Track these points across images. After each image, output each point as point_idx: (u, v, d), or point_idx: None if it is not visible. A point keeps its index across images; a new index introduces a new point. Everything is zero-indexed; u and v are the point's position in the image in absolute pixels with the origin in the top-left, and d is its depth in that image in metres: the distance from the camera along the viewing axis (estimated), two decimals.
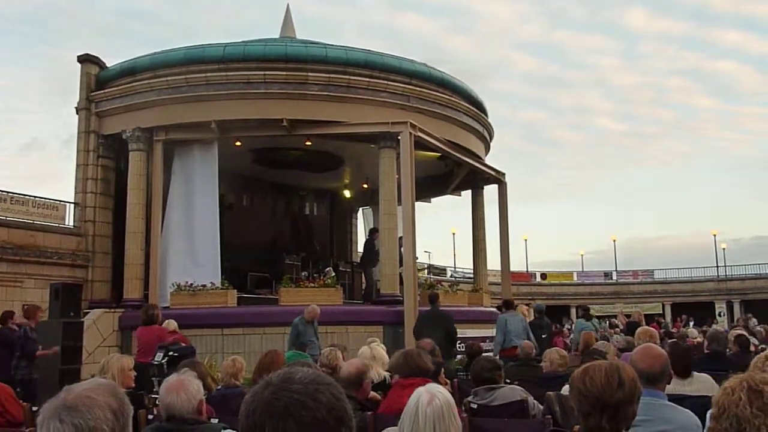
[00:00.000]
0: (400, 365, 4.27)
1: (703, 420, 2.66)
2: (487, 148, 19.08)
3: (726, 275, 39.77)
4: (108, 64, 16.31)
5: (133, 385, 4.93)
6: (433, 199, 20.75)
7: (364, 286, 17.09)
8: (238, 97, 14.35)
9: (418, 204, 15.69)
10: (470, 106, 17.12)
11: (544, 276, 41.99)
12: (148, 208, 14.72)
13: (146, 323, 9.43)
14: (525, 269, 41.58)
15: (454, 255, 39.81)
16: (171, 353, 7.37)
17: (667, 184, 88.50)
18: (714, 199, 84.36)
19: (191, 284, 13.87)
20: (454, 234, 39.48)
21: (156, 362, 7.31)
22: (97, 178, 15.63)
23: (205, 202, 14.65)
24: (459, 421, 2.38)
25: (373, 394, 4.79)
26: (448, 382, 6.24)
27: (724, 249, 41.07)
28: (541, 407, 4.73)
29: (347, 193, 20.66)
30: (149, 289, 14.18)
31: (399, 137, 14.42)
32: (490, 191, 18.99)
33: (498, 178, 18.68)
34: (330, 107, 14.54)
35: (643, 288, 41.00)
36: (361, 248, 19.63)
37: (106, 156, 15.77)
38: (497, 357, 9.76)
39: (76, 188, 15.73)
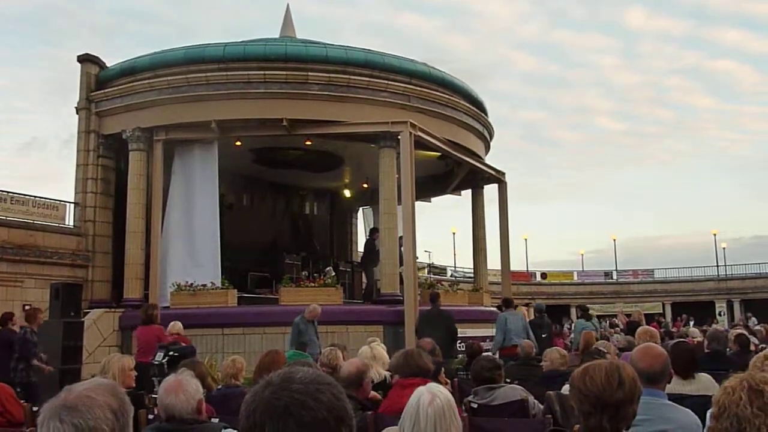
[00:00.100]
0: (400, 365, 4.26)
1: (703, 419, 2.66)
2: (487, 148, 19.09)
3: (726, 275, 39.72)
4: (108, 64, 16.32)
5: (134, 384, 4.93)
6: (433, 199, 20.75)
7: (364, 285, 17.10)
8: (238, 97, 14.36)
9: (418, 203, 15.69)
10: (470, 106, 17.12)
11: (544, 275, 41.95)
12: (148, 208, 14.73)
13: (146, 323, 9.45)
14: (525, 269, 41.53)
15: (454, 254, 39.86)
16: (171, 353, 7.38)
17: (667, 184, 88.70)
18: (714, 198, 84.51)
19: (191, 284, 13.88)
20: (454, 233, 39.49)
21: (156, 362, 7.32)
22: (97, 177, 15.64)
23: (205, 201, 14.65)
24: (460, 420, 2.38)
25: (373, 393, 4.79)
26: (449, 381, 6.25)
27: (724, 248, 41.11)
28: (542, 407, 4.73)
29: (347, 193, 20.67)
30: (149, 288, 14.18)
31: (399, 137, 14.41)
32: (490, 191, 19.04)
33: (498, 178, 18.68)
34: (330, 107, 14.54)
35: (644, 287, 40.92)
36: (361, 248, 19.66)
37: (106, 156, 15.78)
38: (496, 355, 9.77)
39: (76, 188, 15.74)
